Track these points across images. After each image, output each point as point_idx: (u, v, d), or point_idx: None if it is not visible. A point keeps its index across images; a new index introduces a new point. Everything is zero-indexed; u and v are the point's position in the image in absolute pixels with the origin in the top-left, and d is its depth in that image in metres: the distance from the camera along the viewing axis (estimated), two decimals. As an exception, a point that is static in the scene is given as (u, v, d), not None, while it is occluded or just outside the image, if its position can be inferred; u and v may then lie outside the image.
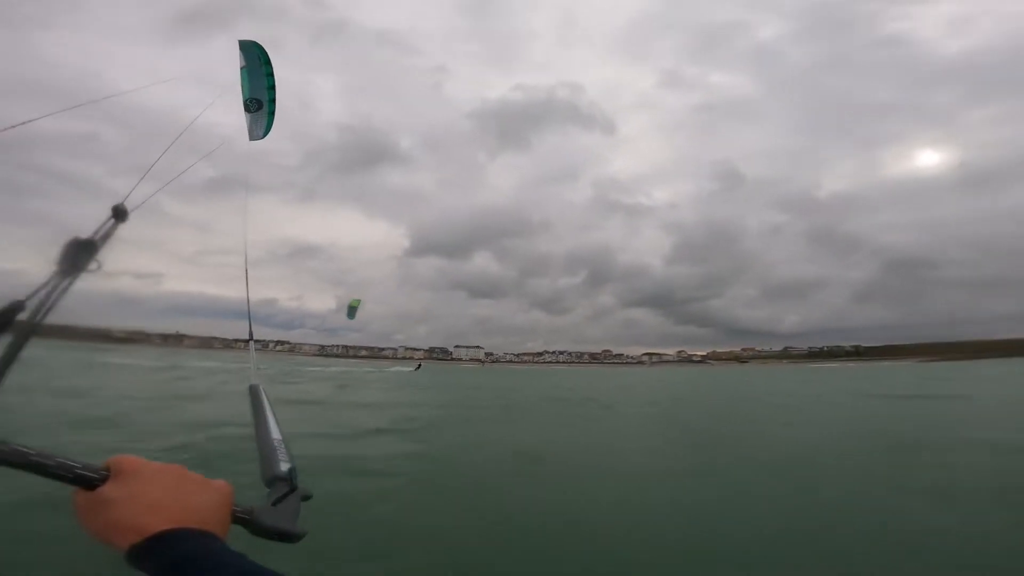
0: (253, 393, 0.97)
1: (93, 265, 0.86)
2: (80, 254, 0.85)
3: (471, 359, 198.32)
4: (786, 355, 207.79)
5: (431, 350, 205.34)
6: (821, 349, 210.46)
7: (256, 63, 4.10)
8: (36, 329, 0.75)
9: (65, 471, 0.56)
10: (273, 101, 4.08)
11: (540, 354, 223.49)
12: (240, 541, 0.59)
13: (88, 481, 0.56)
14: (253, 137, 3.96)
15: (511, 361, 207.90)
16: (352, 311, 40.46)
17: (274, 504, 0.69)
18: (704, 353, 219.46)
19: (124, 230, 0.99)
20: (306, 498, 0.73)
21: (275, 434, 0.84)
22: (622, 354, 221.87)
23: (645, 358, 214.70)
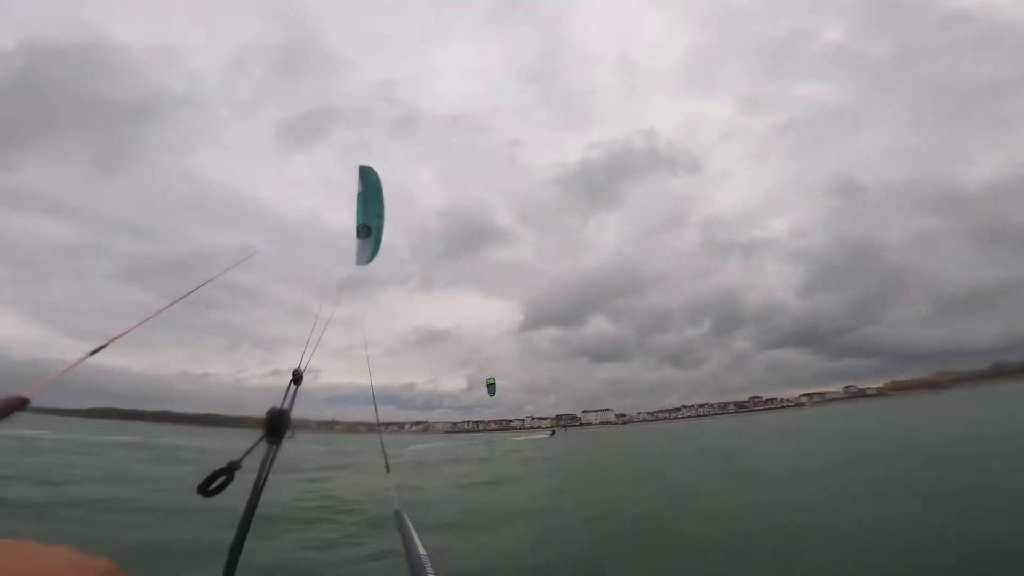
0: (398, 517, 1.17)
1: (289, 434, 1.18)
2: (280, 424, 1.16)
3: (601, 422, 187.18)
4: (998, 372, 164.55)
5: (558, 417, 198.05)
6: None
7: (372, 190, 4.39)
8: (261, 492, 1.07)
9: None
10: (381, 229, 4.29)
11: (677, 409, 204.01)
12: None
13: None
14: (360, 262, 4.19)
15: (645, 420, 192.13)
16: (492, 388, 42.92)
17: None
18: (881, 384, 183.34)
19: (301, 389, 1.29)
20: None
21: (421, 550, 0.98)
22: (774, 398, 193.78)
23: (804, 399, 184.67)
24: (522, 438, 65.28)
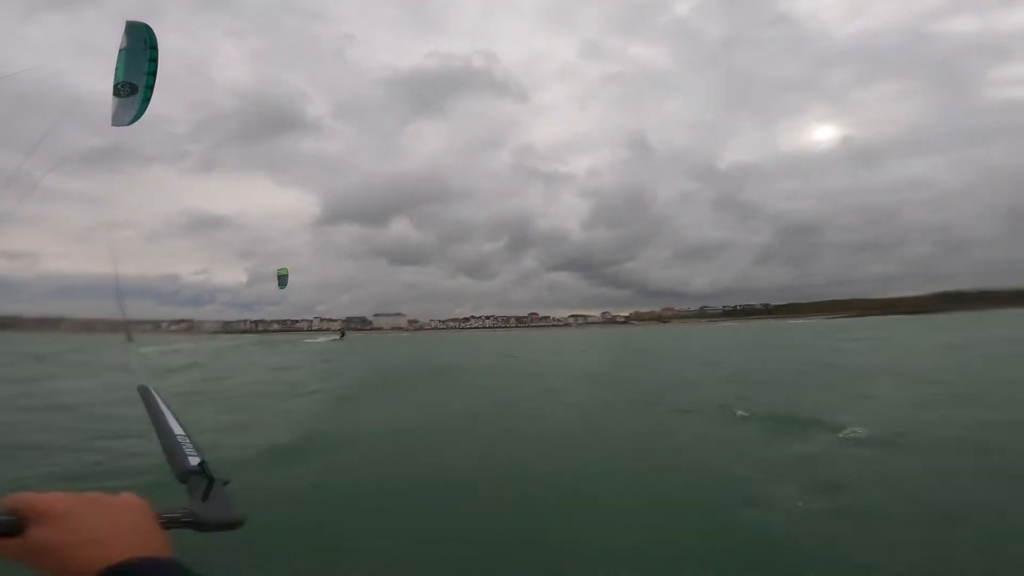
0: (144, 394, 0.93)
1: None
2: None
3: (393, 327, 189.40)
4: (703, 314, 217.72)
5: (349, 320, 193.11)
6: (735, 308, 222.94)
7: (141, 46, 3.96)
8: None
9: None
10: (151, 88, 3.95)
11: (466, 319, 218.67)
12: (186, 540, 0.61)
13: (4, 529, 0.52)
14: (118, 122, 3.79)
15: (436, 328, 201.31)
16: (283, 280, 40.20)
17: (204, 499, 0.69)
18: (627, 314, 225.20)
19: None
20: (225, 483, 0.73)
21: (177, 430, 0.82)
22: (548, 316, 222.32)
23: (571, 320, 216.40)
24: (308, 341, 60.84)
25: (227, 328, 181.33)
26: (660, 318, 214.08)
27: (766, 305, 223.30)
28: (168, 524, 0.62)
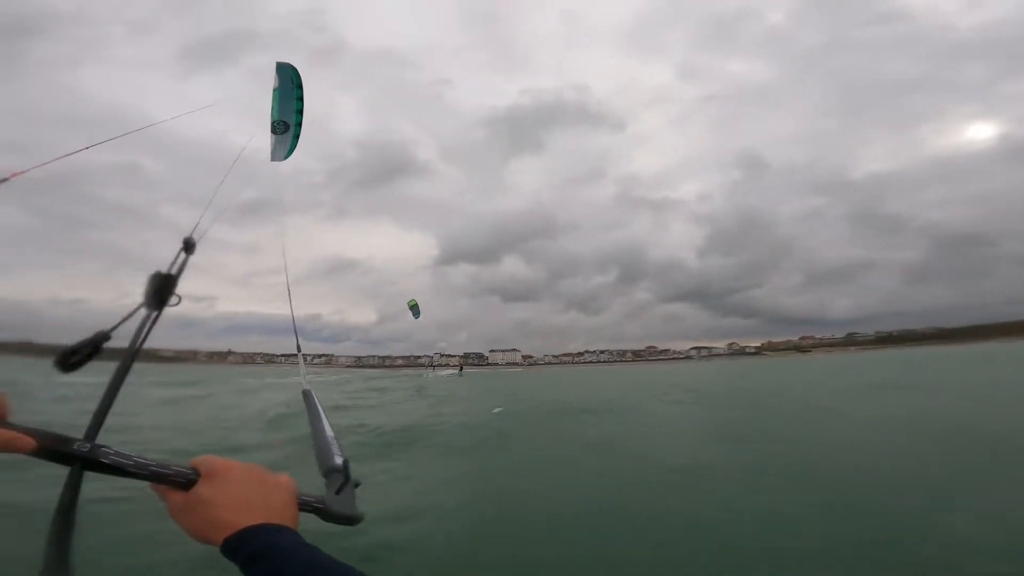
0: (307, 397, 1.09)
1: (174, 300, 1.00)
2: (163, 289, 0.99)
3: (508, 363, 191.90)
4: (852, 341, 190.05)
5: (466, 355, 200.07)
6: (890, 334, 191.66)
7: (289, 85, 4.22)
8: (133, 359, 0.88)
9: (163, 474, 0.64)
10: (300, 124, 4.16)
11: (580, 354, 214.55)
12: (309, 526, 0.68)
13: (183, 482, 0.64)
14: (275, 158, 3.99)
15: (550, 363, 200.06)
16: (415, 310, 41.38)
17: (337, 493, 0.79)
18: (758, 344, 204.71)
19: (193, 260, 1.11)
20: (356, 485, 0.83)
21: (328, 432, 0.94)
22: (667, 349, 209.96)
23: (693, 352, 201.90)
24: (430, 375, 63.45)
25: (359, 363, 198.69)
26: (798, 347, 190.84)
27: (937, 329, 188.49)
28: (300, 507, 0.71)
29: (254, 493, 0.63)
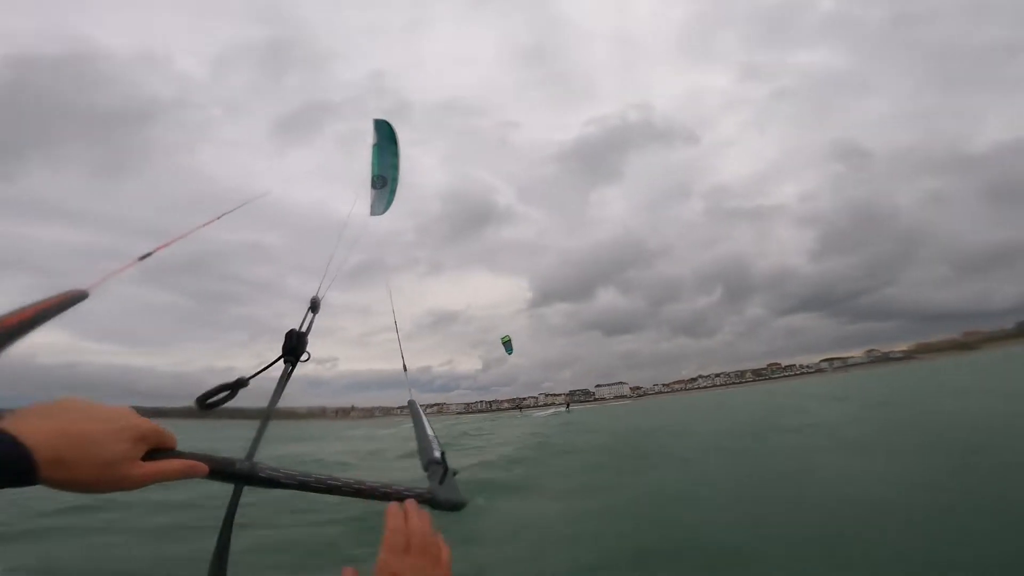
0: (411, 405, 1.37)
1: (305, 356, 1.22)
2: (297, 345, 1.21)
3: (616, 396, 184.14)
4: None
5: (572, 392, 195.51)
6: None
7: (386, 141, 4.35)
8: (276, 402, 1.12)
9: (308, 483, 0.77)
10: (396, 179, 4.27)
11: (693, 380, 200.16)
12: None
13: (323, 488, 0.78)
14: (375, 212, 4.06)
15: (660, 392, 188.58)
16: (508, 346, 41.51)
17: (441, 483, 0.88)
18: (906, 347, 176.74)
19: (318, 321, 1.33)
20: (455, 474, 0.93)
21: (429, 431, 1.09)
22: (793, 365, 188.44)
23: (824, 364, 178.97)
24: (540, 414, 63.72)
25: (468, 409, 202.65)
26: (962, 345, 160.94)
27: None
28: (407, 497, 0.80)
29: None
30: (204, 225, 1.55)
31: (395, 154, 4.41)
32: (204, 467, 0.69)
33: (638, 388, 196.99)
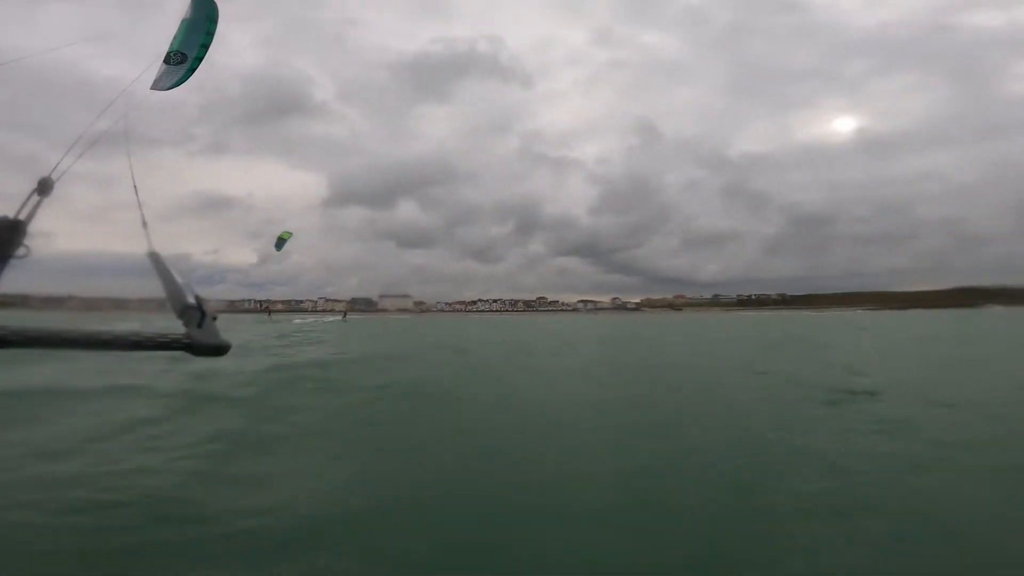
0: (154, 258, 1.16)
1: (22, 251, 0.91)
2: (10, 237, 0.90)
3: (398, 309, 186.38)
4: (716, 303, 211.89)
5: (354, 300, 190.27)
6: (749, 297, 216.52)
7: (202, 19, 4.06)
8: None
9: None
10: (200, 59, 4.03)
11: (473, 303, 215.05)
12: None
13: None
14: (159, 87, 3.84)
15: (442, 310, 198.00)
16: (281, 243, 36.86)
17: (199, 327, 0.85)
18: (638, 300, 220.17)
19: (49, 203, 1.04)
20: (214, 319, 0.88)
21: (179, 279, 1.01)
22: (557, 301, 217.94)
23: (580, 305, 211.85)
24: (309, 320, 59.72)
25: (233, 307, 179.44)
26: (672, 305, 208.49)
27: (783, 295, 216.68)
28: (167, 345, 0.75)
29: None
30: None
31: (208, 33, 4.07)
32: None
33: (421, 303, 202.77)
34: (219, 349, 0.82)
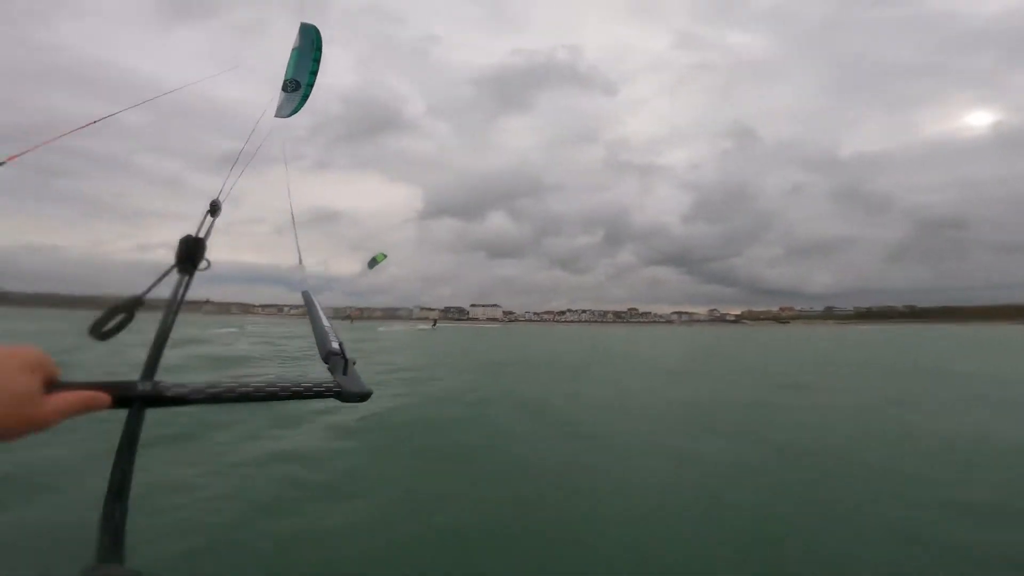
0: (305, 297, 1.29)
1: (203, 264, 1.09)
2: (194, 253, 1.08)
3: (488, 318, 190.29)
4: (830, 315, 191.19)
5: (447, 309, 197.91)
6: (869, 309, 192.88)
7: (309, 47, 4.38)
8: (173, 323, 0.97)
9: (217, 395, 0.70)
10: (311, 85, 4.35)
11: (562, 313, 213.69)
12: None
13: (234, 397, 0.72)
14: (280, 114, 4.13)
15: (530, 320, 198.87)
16: (374, 263, 38.64)
17: (344, 373, 0.86)
18: (738, 312, 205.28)
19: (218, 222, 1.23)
20: (353, 363, 0.90)
21: (325, 323, 1.05)
22: (649, 312, 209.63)
23: (674, 316, 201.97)
24: (397, 328, 62.63)
25: (336, 314, 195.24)
26: (777, 318, 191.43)
27: (911, 307, 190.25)
28: (321, 394, 0.78)
29: None
30: (74, 131, 1.40)
31: (316, 60, 4.37)
32: (106, 397, 0.59)
33: (510, 313, 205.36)
34: (363, 396, 0.82)
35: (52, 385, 0.54)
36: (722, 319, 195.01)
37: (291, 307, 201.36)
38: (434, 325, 72.23)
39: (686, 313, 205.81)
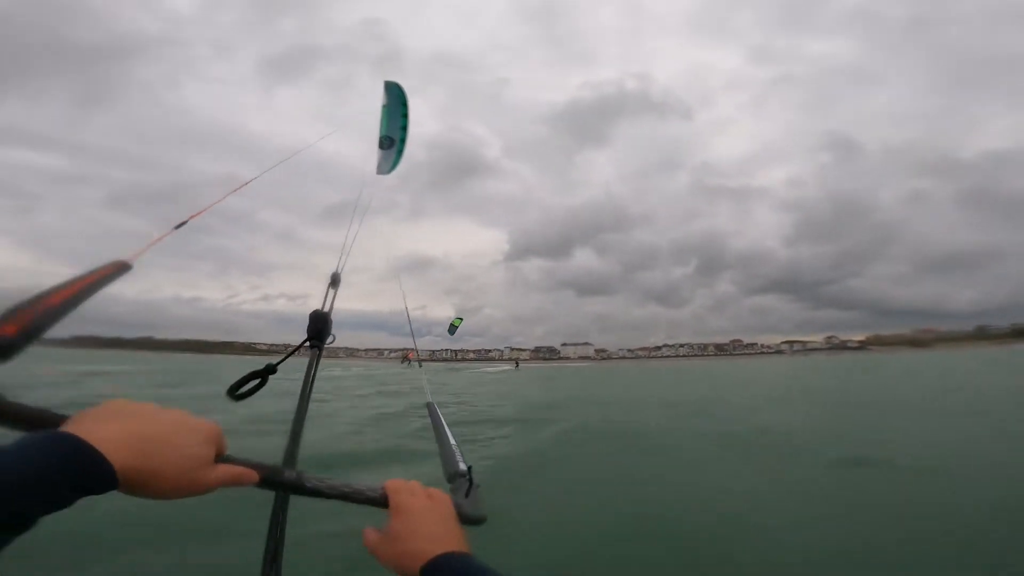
0: (430, 409, 1.24)
1: (330, 338, 1.20)
2: (322, 328, 1.21)
3: (580, 356, 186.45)
4: (983, 335, 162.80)
5: (537, 349, 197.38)
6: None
7: (395, 103, 4.48)
8: (310, 393, 1.09)
9: (356, 495, 0.75)
10: (404, 141, 4.42)
11: (658, 348, 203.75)
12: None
13: (375, 497, 0.75)
14: (381, 171, 4.28)
15: (624, 357, 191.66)
16: (453, 328, 39.27)
17: (466, 496, 0.86)
18: (862, 338, 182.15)
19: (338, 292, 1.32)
20: (478, 487, 0.90)
21: (451, 440, 1.04)
22: (755, 344, 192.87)
23: (785, 347, 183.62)
24: (484, 369, 63.49)
25: (432, 357, 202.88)
26: (914, 342, 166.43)
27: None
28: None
29: (439, 527, 0.71)
30: (236, 190, 1.50)
31: (404, 115, 4.46)
32: (255, 475, 0.66)
33: (603, 351, 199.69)
34: (479, 520, 0.81)
35: (219, 457, 0.63)
36: (842, 346, 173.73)
37: (390, 351, 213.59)
38: (516, 366, 71.50)
39: (798, 342, 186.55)
